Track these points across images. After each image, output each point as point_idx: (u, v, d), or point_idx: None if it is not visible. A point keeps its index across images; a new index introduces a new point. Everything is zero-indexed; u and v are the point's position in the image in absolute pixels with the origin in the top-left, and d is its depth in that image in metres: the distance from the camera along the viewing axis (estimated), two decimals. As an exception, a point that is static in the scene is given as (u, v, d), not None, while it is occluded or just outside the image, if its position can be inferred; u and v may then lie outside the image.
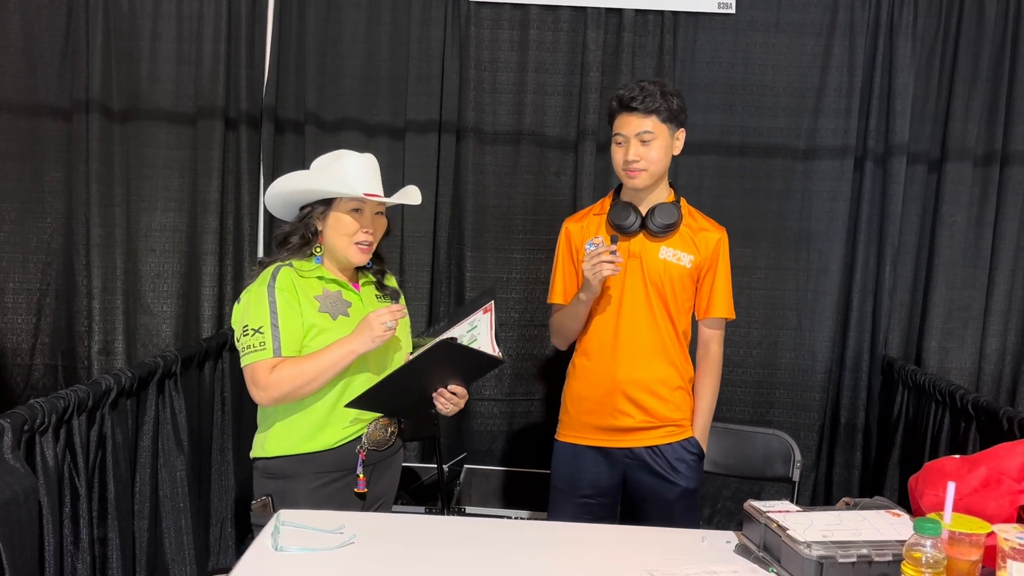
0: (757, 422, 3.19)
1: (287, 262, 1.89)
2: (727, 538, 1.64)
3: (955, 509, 1.33)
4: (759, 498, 2.36)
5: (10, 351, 3.23)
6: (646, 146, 2.08)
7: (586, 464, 2.20)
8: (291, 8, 3.19)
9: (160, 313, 3.24)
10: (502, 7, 3.18)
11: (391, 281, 2.07)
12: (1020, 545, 1.26)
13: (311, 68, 3.19)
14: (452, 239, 3.29)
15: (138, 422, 2.33)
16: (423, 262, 3.24)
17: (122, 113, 3.18)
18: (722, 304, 2.21)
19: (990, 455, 1.53)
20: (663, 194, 2.18)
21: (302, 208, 1.92)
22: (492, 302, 1.97)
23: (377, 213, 1.92)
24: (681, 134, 2.16)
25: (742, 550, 1.57)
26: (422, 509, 2.87)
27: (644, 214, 2.15)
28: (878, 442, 3.19)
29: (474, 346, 1.88)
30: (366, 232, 1.88)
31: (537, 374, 3.30)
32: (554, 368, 3.27)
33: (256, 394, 1.83)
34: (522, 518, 2.83)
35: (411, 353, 1.98)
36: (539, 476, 3.12)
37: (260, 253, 3.17)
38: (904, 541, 1.30)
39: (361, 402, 1.83)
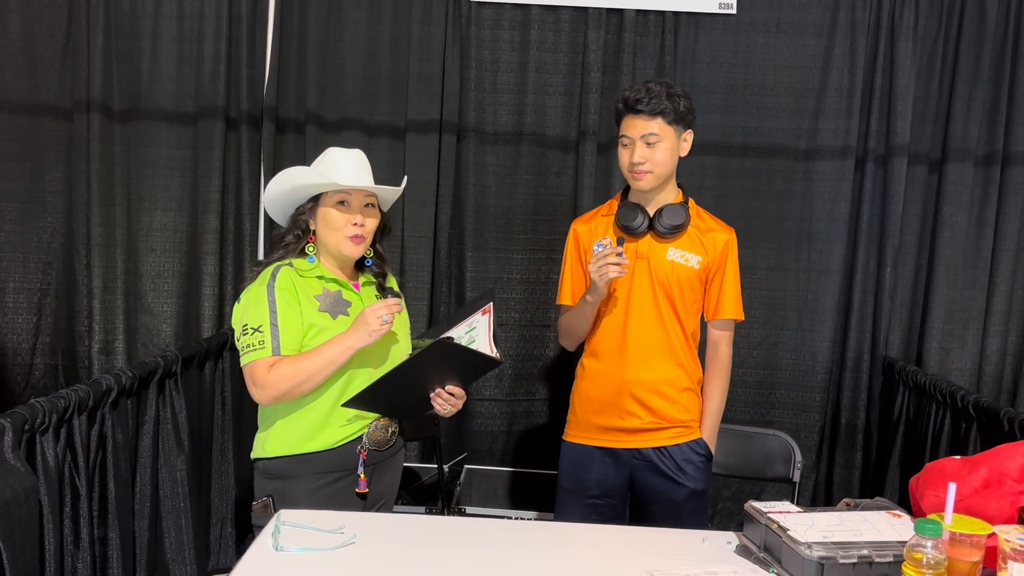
0: (758, 422, 3.19)
1: (287, 262, 1.89)
2: (728, 539, 1.65)
3: (956, 510, 1.33)
4: (759, 499, 2.35)
5: (10, 351, 3.23)
6: (651, 148, 2.07)
7: (593, 464, 2.20)
8: (292, 8, 3.19)
9: (160, 313, 3.24)
10: (503, 7, 3.18)
11: (392, 283, 2.07)
12: (1021, 546, 1.26)
13: (312, 68, 3.19)
14: (452, 239, 3.29)
15: (138, 422, 2.33)
16: (423, 262, 3.24)
17: (123, 113, 3.18)
18: (731, 305, 2.21)
19: (991, 456, 1.53)
20: (671, 195, 2.18)
21: (296, 209, 1.94)
22: (491, 304, 1.97)
23: (368, 205, 1.91)
24: (689, 135, 2.15)
25: (743, 551, 1.57)
26: (422, 509, 2.87)
27: (652, 215, 2.14)
28: (879, 443, 3.19)
29: (472, 347, 1.88)
30: (355, 224, 1.88)
31: (538, 374, 3.30)
32: (555, 368, 3.27)
33: (255, 393, 1.83)
34: (529, 519, 2.82)
35: (410, 354, 1.98)
36: (540, 476, 3.13)
37: (260, 253, 3.17)
38: (905, 542, 1.30)
39: (358, 401, 1.83)
